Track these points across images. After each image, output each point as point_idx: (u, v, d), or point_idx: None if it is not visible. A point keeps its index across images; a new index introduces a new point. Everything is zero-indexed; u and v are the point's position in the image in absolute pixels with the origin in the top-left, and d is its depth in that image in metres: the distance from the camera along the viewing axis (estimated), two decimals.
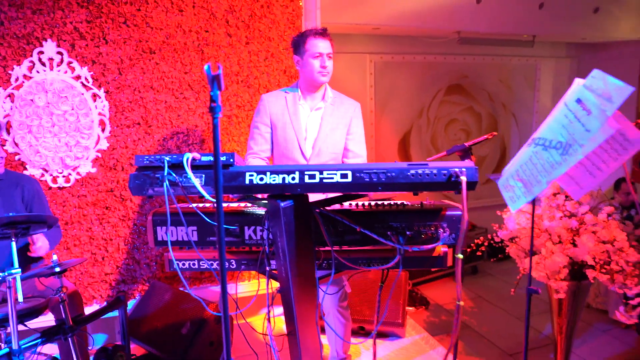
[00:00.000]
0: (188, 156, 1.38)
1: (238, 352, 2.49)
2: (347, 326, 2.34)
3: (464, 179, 1.28)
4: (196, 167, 1.41)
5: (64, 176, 2.70)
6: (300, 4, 3.00)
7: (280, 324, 1.98)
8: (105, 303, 2.73)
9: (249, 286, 3.02)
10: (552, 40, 5.16)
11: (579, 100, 1.14)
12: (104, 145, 2.73)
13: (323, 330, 2.52)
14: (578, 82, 1.19)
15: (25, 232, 1.72)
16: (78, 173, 2.72)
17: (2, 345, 1.87)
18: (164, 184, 1.38)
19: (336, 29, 3.68)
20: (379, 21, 3.90)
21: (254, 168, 1.41)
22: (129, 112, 2.74)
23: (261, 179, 1.38)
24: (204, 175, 1.40)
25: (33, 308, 1.90)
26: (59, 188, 2.68)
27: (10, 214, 1.63)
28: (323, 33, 2.14)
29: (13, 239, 1.67)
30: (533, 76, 5.30)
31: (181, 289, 2.76)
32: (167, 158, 1.41)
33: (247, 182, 1.38)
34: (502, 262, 4.73)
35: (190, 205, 1.59)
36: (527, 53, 5.11)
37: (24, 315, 1.91)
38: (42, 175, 2.64)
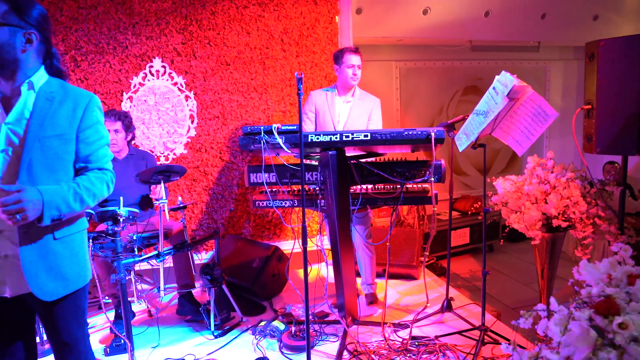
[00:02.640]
0: (275, 126, 2.54)
1: (288, 285, 3.63)
2: (373, 259, 3.43)
3: (433, 134, 2.39)
4: (279, 132, 2.56)
5: (164, 156, 3.92)
6: (337, 25, 4.16)
7: (314, 272, 3.11)
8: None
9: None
10: (557, 45, 6.14)
11: (494, 88, 2.24)
12: (192, 133, 3.95)
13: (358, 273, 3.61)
14: (496, 77, 2.28)
15: (167, 178, 2.91)
16: (174, 153, 3.94)
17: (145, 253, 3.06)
18: (261, 142, 2.54)
19: (366, 41, 4.84)
20: (402, 34, 5.01)
21: (312, 132, 2.56)
22: (211, 108, 3.96)
23: (317, 138, 2.52)
24: (284, 137, 2.55)
25: (166, 230, 3.10)
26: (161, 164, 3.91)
27: (163, 165, 2.83)
28: (356, 51, 3.29)
29: (162, 182, 2.87)
30: (543, 77, 6.29)
31: (249, 237, 3.94)
32: (262, 127, 2.57)
33: (309, 140, 2.53)
34: (517, 242, 5.72)
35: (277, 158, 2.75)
36: (535, 57, 6.11)
37: (154, 237, 3.11)
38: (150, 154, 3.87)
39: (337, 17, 4.15)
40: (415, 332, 3.06)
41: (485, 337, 2.84)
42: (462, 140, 2.36)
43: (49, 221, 1.55)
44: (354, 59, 3.29)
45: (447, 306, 3.31)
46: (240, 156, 4.04)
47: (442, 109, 5.90)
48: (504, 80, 2.15)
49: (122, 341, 2.95)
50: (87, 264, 1.82)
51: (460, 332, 2.97)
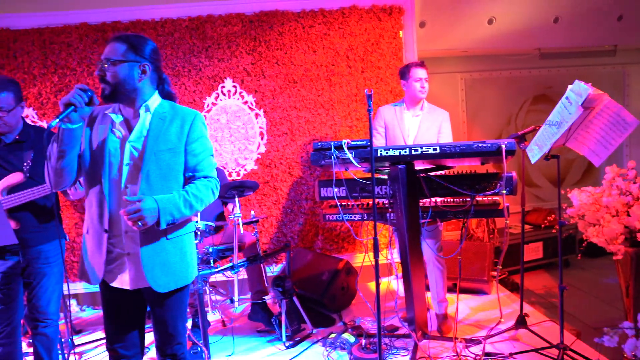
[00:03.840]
0: (345, 141, 2.63)
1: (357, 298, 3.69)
2: (444, 272, 3.42)
3: (504, 146, 2.39)
4: (349, 148, 2.66)
5: (236, 172, 4.13)
6: (401, 39, 4.23)
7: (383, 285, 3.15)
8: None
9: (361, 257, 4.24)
10: (636, 47, 5.85)
11: (567, 97, 2.22)
12: (262, 149, 4.13)
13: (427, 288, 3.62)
14: (569, 87, 2.26)
15: (241, 193, 3.08)
16: (245, 169, 4.14)
17: (218, 267, 3.24)
18: (332, 157, 2.64)
19: (431, 54, 4.87)
20: (467, 45, 5.00)
21: (382, 147, 2.63)
22: (280, 125, 4.13)
23: (387, 152, 2.59)
24: (354, 152, 2.64)
25: (239, 243, 3.26)
26: (233, 180, 4.11)
27: (237, 181, 3.01)
28: (422, 64, 3.34)
29: (236, 197, 3.04)
30: (621, 83, 6.01)
31: (318, 251, 4.05)
32: (332, 143, 2.68)
33: (379, 154, 2.60)
34: (595, 257, 5.46)
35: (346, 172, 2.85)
36: (611, 61, 5.85)
37: (228, 250, 3.28)
38: (221, 170, 4.08)
39: (400, 32, 4.22)
40: (488, 348, 3.02)
41: (565, 356, 2.76)
42: (535, 151, 2.35)
43: (165, 225, 1.84)
44: (420, 73, 3.34)
45: (521, 322, 3.25)
46: (309, 171, 4.17)
47: (510, 119, 5.79)
48: (578, 90, 2.13)
49: (199, 349, 3.12)
50: (193, 263, 2.06)
51: (537, 350, 2.90)
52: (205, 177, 2.00)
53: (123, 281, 1.95)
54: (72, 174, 1.93)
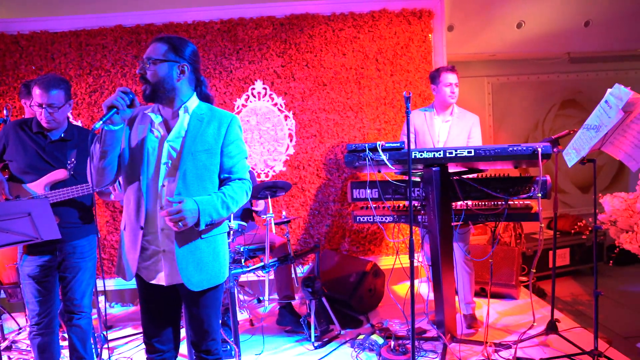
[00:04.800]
0: (379, 143, 2.67)
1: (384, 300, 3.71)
2: (472, 275, 3.43)
3: (540, 149, 2.40)
4: (383, 150, 2.69)
5: (264, 173, 4.19)
6: (431, 43, 4.25)
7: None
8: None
9: (389, 259, 4.27)
10: None
11: (606, 101, 2.23)
12: (291, 151, 4.19)
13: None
14: (609, 90, 2.27)
15: (273, 193, 3.14)
16: (274, 170, 4.20)
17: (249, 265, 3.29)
18: (367, 159, 2.68)
19: (458, 58, 4.88)
20: (495, 49, 4.99)
21: (417, 149, 2.66)
22: (309, 127, 4.18)
23: (421, 154, 2.62)
24: (387, 154, 2.68)
25: (271, 244, 3.32)
26: (261, 181, 4.17)
27: (270, 182, 3.06)
28: (452, 69, 3.36)
29: (268, 197, 3.10)
30: None
31: (344, 252, 4.09)
32: (367, 145, 2.71)
33: (413, 156, 2.63)
34: (626, 265, 5.39)
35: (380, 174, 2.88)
36: None
37: (259, 250, 3.33)
38: (251, 172, 4.14)
39: (430, 35, 4.24)
40: (518, 353, 3.02)
41: None
42: (572, 155, 2.36)
43: (204, 226, 1.88)
44: (450, 78, 3.36)
45: (552, 328, 3.24)
46: (337, 173, 4.21)
47: (538, 124, 5.76)
48: (618, 93, 2.14)
49: (229, 346, 3.17)
50: (226, 263, 2.11)
51: (569, 356, 2.89)
52: (239, 179, 2.04)
53: (159, 278, 2.01)
54: (112, 173, 2.00)
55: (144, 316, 2.11)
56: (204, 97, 2.08)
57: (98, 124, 1.82)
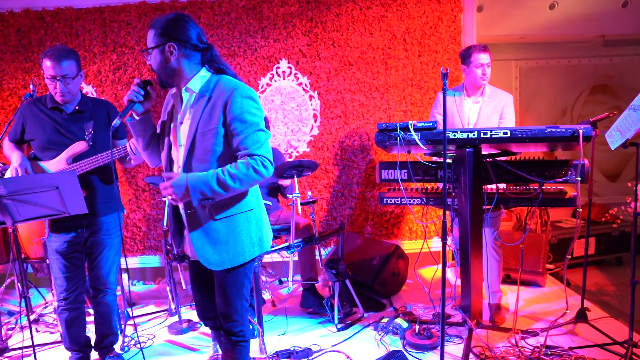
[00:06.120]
0: (411, 122, 2.60)
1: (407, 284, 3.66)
2: (500, 262, 3.36)
3: (581, 131, 2.32)
4: (415, 129, 2.62)
5: (288, 153, 4.14)
6: (460, 23, 4.14)
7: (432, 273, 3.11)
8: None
9: (412, 243, 4.22)
10: None
11: None
12: (315, 132, 4.13)
13: None
14: None
15: (300, 173, 3.09)
16: (297, 151, 4.15)
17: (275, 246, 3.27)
18: (398, 138, 2.61)
19: (486, 40, 4.74)
20: (525, 32, 4.85)
21: (450, 129, 2.59)
22: (334, 108, 4.11)
23: (454, 135, 2.55)
24: (420, 133, 2.61)
25: (296, 225, 3.29)
26: None
27: (296, 160, 3.02)
28: (485, 49, 3.25)
29: (295, 176, 3.06)
30: None
31: (367, 235, 4.04)
32: (398, 124, 2.65)
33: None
34: None
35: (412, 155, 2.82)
36: None
37: (283, 230, 3.30)
38: (276, 149, 4.10)
39: (460, 15, 4.13)
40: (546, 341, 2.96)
41: (633, 355, 2.67)
42: (616, 137, 2.27)
43: (196, 202, 1.85)
44: (483, 58, 3.24)
45: (582, 316, 3.17)
46: (361, 155, 4.15)
47: (566, 110, 5.61)
48: None
49: (252, 326, 3.16)
50: (250, 241, 2.02)
51: (601, 346, 2.83)
52: (249, 154, 1.87)
53: (193, 253, 2.06)
54: (158, 150, 2.11)
55: (192, 290, 2.22)
56: (217, 70, 1.98)
57: (117, 122, 1.93)
